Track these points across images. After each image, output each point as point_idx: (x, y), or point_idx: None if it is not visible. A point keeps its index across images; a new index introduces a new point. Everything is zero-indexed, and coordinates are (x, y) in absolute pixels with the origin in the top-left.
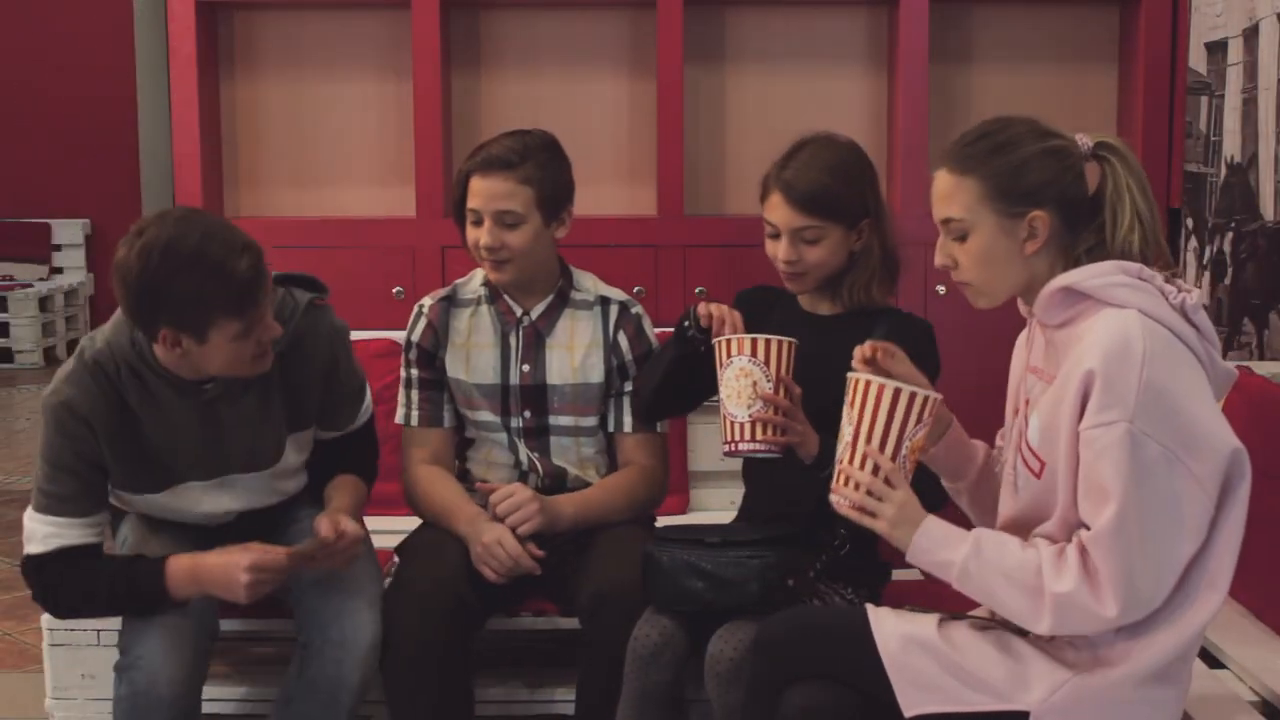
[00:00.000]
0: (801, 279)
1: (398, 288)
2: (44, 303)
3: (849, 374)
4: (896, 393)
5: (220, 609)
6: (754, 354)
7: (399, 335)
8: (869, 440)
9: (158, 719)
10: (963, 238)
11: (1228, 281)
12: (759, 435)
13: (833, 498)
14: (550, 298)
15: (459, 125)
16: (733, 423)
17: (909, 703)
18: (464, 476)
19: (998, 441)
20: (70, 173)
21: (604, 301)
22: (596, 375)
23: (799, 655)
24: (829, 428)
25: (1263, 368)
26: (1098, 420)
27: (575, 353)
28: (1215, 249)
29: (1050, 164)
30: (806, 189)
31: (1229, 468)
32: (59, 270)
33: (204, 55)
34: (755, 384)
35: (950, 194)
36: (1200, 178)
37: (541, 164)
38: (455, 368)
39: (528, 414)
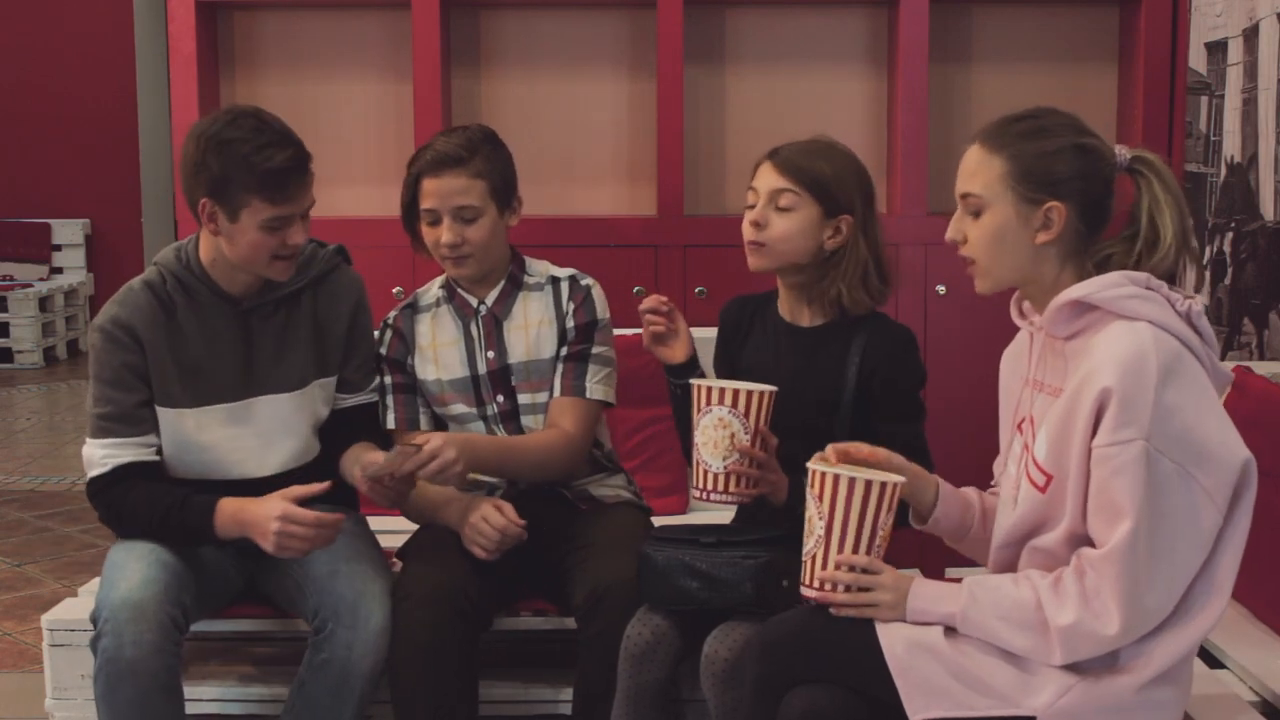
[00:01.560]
0: (762, 252)
1: (398, 288)
2: (44, 303)
3: (811, 465)
4: (868, 485)
5: (226, 607)
6: (734, 405)
7: None
8: (843, 534)
9: (130, 686)
10: (978, 214)
11: (1228, 282)
12: (732, 487)
13: (804, 591)
14: (502, 284)
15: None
16: (706, 471)
17: (915, 707)
18: None
19: (998, 472)
20: (70, 173)
21: (554, 281)
22: (549, 350)
23: (803, 657)
24: (807, 443)
25: (1263, 368)
26: (1114, 438)
27: (530, 330)
28: (1215, 249)
29: (1080, 160)
30: (793, 157)
31: (1239, 479)
32: (59, 270)
33: (204, 55)
34: (733, 436)
35: (976, 169)
36: (1200, 178)
37: (488, 156)
38: (425, 370)
39: (500, 399)
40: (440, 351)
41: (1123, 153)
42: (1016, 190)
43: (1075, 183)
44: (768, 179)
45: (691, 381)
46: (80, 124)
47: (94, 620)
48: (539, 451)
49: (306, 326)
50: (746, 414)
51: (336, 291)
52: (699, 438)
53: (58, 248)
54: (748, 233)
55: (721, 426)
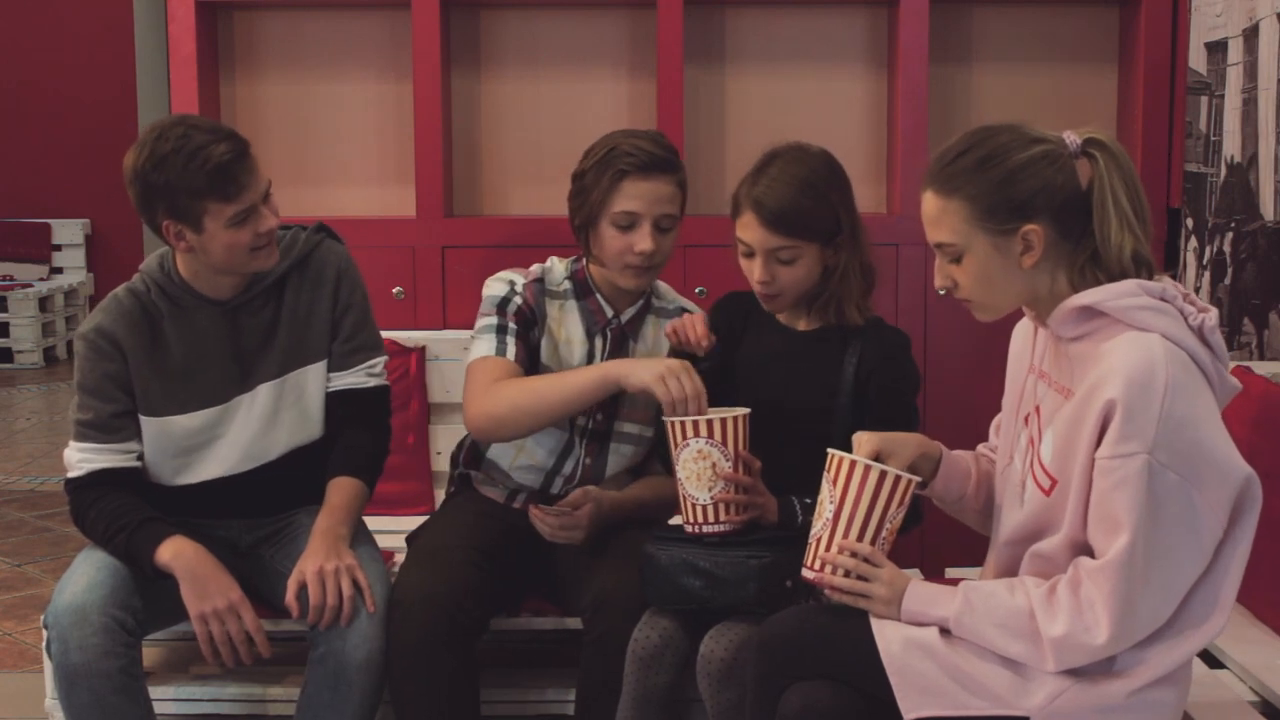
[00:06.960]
0: (777, 300)
1: (398, 288)
2: (44, 303)
3: (830, 450)
4: (881, 475)
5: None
6: (710, 435)
7: (399, 335)
8: (850, 520)
9: (85, 690)
10: (958, 259)
11: (1228, 281)
12: (722, 516)
13: (805, 573)
14: (640, 303)
15: (459, 125)
16: (694, 505)
17: (909, 706)
18: (479, 463)
19: (992, 436)
20: (70, 173)
21: (684, 313)
22: None
23: (802, 655)
24: (803, 447)
25: (1263, 368)
26: (1116, 451)
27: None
28: (1215, 249)
29: (1038, 172)
30: (778, 207)
31: (1240, 493)
32: (59, 270)
33: (204, 55)
34: (714, 465)
35: (939, 217)
36: (1200, 178)
37: (681, 165)
38: (546, 353)
39: (599, 416)
40: (563, 345)
41: (1073, 139)
42: (986, 228)
43: (1041, 197)
44: (759, 237)
45: (664, 419)
46: (80, 124)
47: (45, 625)
48: (654, 509)
49: (290, 315)
50: (724, 441)
51: (319, 272)
52: (681, 473)
53: (58, 248)
54: (757, 287)
55: (701, 458)
